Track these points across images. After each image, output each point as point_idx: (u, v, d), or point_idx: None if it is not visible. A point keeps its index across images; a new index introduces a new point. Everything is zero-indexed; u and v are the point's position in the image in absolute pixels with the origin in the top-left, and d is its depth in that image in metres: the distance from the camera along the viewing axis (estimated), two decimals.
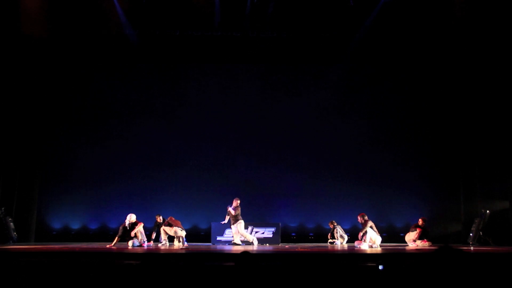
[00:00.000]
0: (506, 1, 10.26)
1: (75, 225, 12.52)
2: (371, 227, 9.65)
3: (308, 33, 12.17)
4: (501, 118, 10.96)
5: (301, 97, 12.93)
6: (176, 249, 9.02)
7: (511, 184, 10.72)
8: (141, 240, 10.18)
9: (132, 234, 10.05)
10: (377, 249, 9.17)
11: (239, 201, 10.59)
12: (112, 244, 9.81)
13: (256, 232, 11.23)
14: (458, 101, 12.36)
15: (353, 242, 10.35)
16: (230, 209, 10.51)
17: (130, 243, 9.95)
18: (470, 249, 9.22)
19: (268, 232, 11.30)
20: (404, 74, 12.87)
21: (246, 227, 10.72)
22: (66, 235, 12.31)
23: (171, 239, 10.50)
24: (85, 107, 12.94)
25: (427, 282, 2.94)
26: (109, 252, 8.34)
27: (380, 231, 10.17)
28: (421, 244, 10.04)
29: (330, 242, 11.33)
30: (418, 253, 7.94)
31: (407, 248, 9.66)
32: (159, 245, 10.29)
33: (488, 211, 10.85)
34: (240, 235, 10.47)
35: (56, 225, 12.50)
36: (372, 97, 12.93)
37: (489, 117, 11.34)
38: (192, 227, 12.24)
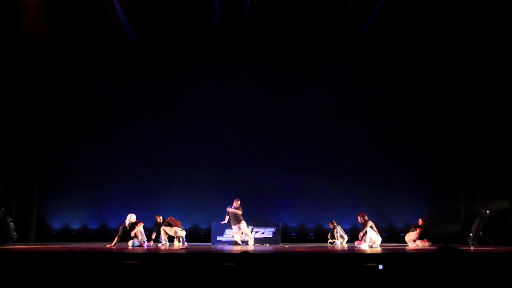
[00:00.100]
0: (506, 1, 10.26)
1: (75, 225, 12.52)
2: (371, 227, 9.65)
3: (308, 33, 12.16)
4: (501, 118, 10.96)
5: (301, 97, 12.92)
6: (176, 249, 9.01)
7: (511, 184, 10.72)
8: (141, 240, 10.18)
9: (132, 234, 10.05)
10: (377, 249, 9.16)
11: (239, 202, 10.60)
12: (112, 244, 9.81)
13: (256, 232, 11.23)
14: (458, 101, 12.36)
15: (353, 242, 10.35)
16: (231, 209, 10.51)
17: (130, 243, 9.94)
18: (470, 249, 9.22)
19: (268, 232, 11.30)
20: (404, 74, 12.87)
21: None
22: (66, 235, 12.31)
23: (171, 239, 10.50)
24: (85, 107, 12.94)
25: (427, 282, 2.94)
26: (109, 252, 8.33)
27: (380, 231, 10.17)
28: (421, 244, 10.04)
29: (330, 242, 11.33)
30: (418, 253, 7.94)
31: (407, 248, 9.66)
32: (159, 245, 10.28)
33: (488, 211, 10.85)
34: (244, 234, 10.48)
35: (56, 225, 12.50)
36: (372, 97, 12.93)
37: (489, 117, 11.34)
38: (192, 227, 12.24)
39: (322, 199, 12.59)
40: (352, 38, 12.30)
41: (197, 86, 13.06)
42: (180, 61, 13.00)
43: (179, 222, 10.49)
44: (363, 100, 12.96)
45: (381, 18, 11.60)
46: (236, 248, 9.50)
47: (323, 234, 11.87)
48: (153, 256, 7.63)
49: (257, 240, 11.11)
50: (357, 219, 10.00)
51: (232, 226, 10.51)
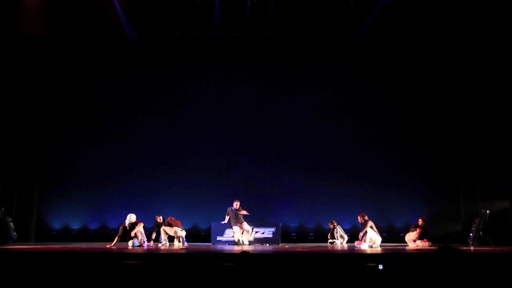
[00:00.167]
0: (506, 1, 10.26)
1: (75, 225, 12.53)
2: (371, 227, 9.65)
3: (308, 33, 12.16)
4: (501, 118, 10.96)
5: (301, 97, 12.92)
6: (176, 249, 9.01)
7: (511, 184, 10.72)
8: (141, 240, 10.18)
9: (132, 234, 10.05)
10: (377, 249, 9.16)
11: (239, 203, 10.61)
12: (112, 244, 9.81)
13: (256, 232, 11.23)
14: (458, 101, 12.36)
15: (353, 242, 10.35)
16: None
17: (130, 243, 9.94)
18: (470, 249, 9.22)
19: (268, 232, 11.30)
20: (404, 74, 12.87)
21: None
22: (66, 235, 12.31)
23: (171, 239, 10.50)
24: (85, 107, 12.94)
25: (427, 282, 2.94)
26: (109, 252, 8.33)
27: (380, 231, 10.17)
28: (421, 244, 10.04)
29: (330, 242, 11.33)
30: (418, 253, 7.94)
31: (407, 248, 9.66)
32: (159, 245, 10.28)
33: (488, 211, 10.85)
34: (244, 234, 10.48)
35: (56, 225, 12.50)
36: (372, 97, 12.93)
37: (489, 117, 11.34)
38: (192, 227, 12.24)
39: (322, 199, 12.59)
40: (352, 38, 12.30)
41: (197, 86, 13.06)
42: (180, 61, 13.00)
43: (179, 222, 10.49)
44: (363, 100, 12.96)
45: (381, 18, 11.59)
46: (237, 248, 9.50)
47: (323, 234, 11.87)
48: (153, 256, 7.62)
49: (257, 240, 11.11)
50: (357, 219, 10.00)
51: (233, 226, 10.50)
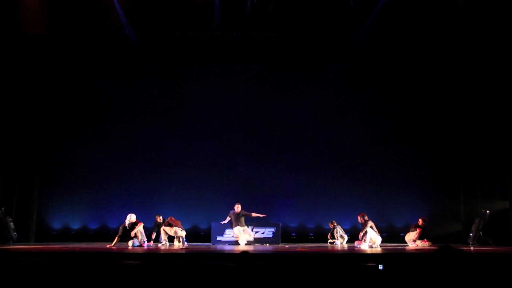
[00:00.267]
0: (506, 1, 10.26)
1: (75, 225, 12.52)
2: (371, 227, 9.64)
3: (308, 33, 12.17)
4: (501, 118, 10.95)
5: (301, 97, 12.92)
6: (176, 249, 9.01)
7: (511, 184, 10.71)
8: (141, 240, 10.18)
9: (132, 234, 10.05)
10: (377, 249, 9.16)
11: (240, 205, 10.66)
12: (112, 244, 9.81)
13: (256, 232, 11.23)
14: (458, 101, 12.35)
15: (353, 242, 10.35)
16: (233, 212, 10.52)
17: (130, 243, 9.94)
18: (470, 249, 9.22)
19: (268, 232, 11.30)
20: (404, 74, 12.87)
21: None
22: (66, 235, 12.31)
23: (171, 239, 10.50)
24: (85, 107, 12.94)
25: (427, 282, 2.94)
26: (109, 252, 8.33)
27: (380, 231, 10.17)
28: (421, 244, 10.04)
29: (330, 242, 11.33)
30: (418, 253, 7.94)
31: (407, 248, 9.66)
32: (159, 245, 10.28)
33: (488, 211, 10.85)
34: (247, 235, 10.52)
35: (56, 225, 12.50)
36: (372, 97, 12.93)
37: (489, 117, 11.33)
38: (192, 227, 12.24)
39: (322, 199, 12.59)
40: (352, 38, 12.30)
41: (197, 86, 13.06)
42: (180, 61, 13.00)
43: (179, 222, 10.49)
44: (363, 100, 12.96)
45: (381, 18, 11.60)
46: (237, 248, 9.50)
47: (323, 234, 11.87)
48: (153, 256, 7.63)
49: (257, 240, 11.11)
50: (357, 219, 10.00)
51: (235, 227, 10.50)
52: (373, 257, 7.37)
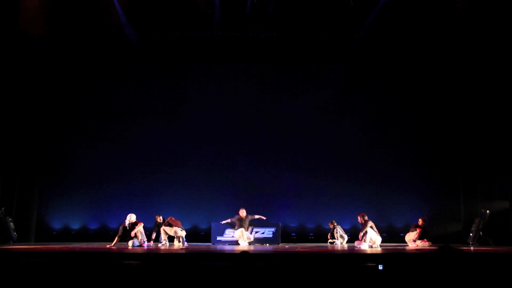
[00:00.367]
0: (506, 1, 10.26)
1: (75, 225, 12.52)
2: (371, 227, 9.64)
3: (308, 33, 12.16)
4: (501, 118, 10.95)
5: (301, 97, 12.92)
6: (176, 249, 9.02)
7: (511, 184, 10.71)
8: (141, 240, 10.18)
9: (132, 234, 10.05)
10: (377, 249, 9.16)
11: (245, 210, 10.73)
12: (112, 244, 9.81)
13: (256, 232, 11.23)
14: (458, 101, 12.36)
15: (353, 242, 10.35)
16: (238, 218, 10.55)
17: (130, 243, 9.94)
18: (470, 249, 9.22)
19: (268, 232, 11.30)
20: (404, 74, 12.87)
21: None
22: (66, 235, 12.31)
23: (171, 239, 10.50)
24: (85, 107, 12.94)
25: (427, 282, 2.94)
26: (109, 252, 8.33)
27: (380, 231, 10.17)
28: (421, 244, 10.04)
29: (330, 242, 11.32)
30: (418, 253, 7.94)
31: (407, 248, 9.66)
32: (159, 245, 10.28)
33: (488, 211, 10.85)
34: (248, 238, 10.56)
35: (56, 225, 12.50)
36: (372, 97, 12.93)
37: (489, 117, 11.33)
38: (192, 227, 12.24)
39: (322, 199, 12.58)
40: (352, 38, 12.30)
41: (197, 86, 13.06)
42: (180, 61, 13.00)
43: (179, 222, 10.49)
44: (363, 100, 12.96)
45: (381, 18, 11.59)
46: (237, 248, 9.50)
47: (323, 234, 11.86)
48: (153, 256, 7.63)
49: (257, 240, 11.11)
50: (357, 219, 10.00)
51: (238, 229, 10.49)
52: (373, 257, 7.38)
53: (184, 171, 12.66)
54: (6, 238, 10.82)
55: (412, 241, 10.21)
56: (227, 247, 10.17)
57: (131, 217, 10.24)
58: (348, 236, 11.37)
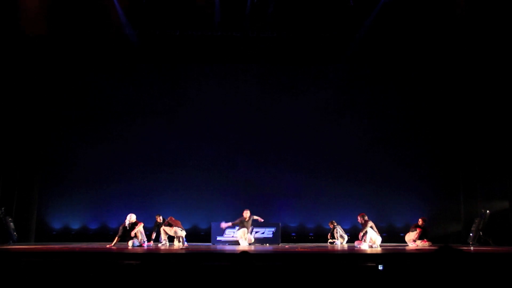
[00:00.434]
0: (506, 1, 10.26)
1: (75, 225, 12.52)
2: (371, 227, 9.64)
3: (308, 33, 12.17)
4: (501, 118, 10.96)
5: (301, 97, 12.92)
6: (176, 249, 9.02)
7: (511, 184, 10.71)
8: (141, 240, 10.18)
9: (132, 234, 10.05)
10: (377, 249, 9.16)
11: (249, 211, 10.71)
12: (112, 244, 9.81)
13: (256, 232, 11.23)
14: (458, 101, 12.36)
15: (353, 242, 10.35)
16: (242, 219, 10.55)
17: (130, 243, 9.94)
18: (470, 249, 9.22)
19: (268, 232, 11.30)
20: (404, 74, 12.87)
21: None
22: (66, 235, 12.31)
23: (171, 239, 10.49)
24: (85, 107, 12.94)
25: (427, 282, 2.94)
26: (109, 252, 8.33)
27: (380, 231, 10.17)
28: (421, 244, 10.04)
29: (330, 242, 11.33)
30: (418, 253, 7.94)
31: (407, 248, 9.66)
32: (159, 245, 10.28)
33: (488, 211, 10.85)
34: (249, 239, 10.57)
35: (56, 225, 12.50)
36: (372, 97, 12.93)
37: (488, 117, 11.33)
38: (192, 227, 12.24)
39: (322, 199, 12.58)
40: (352, 38, 12.30)
41: (197, 86, 13.06)
42: (180, 61, 13.00)
43: (179, 222, 10.49)
44: (363, 100, 12.96)
45: (381, 18, 11.59)
46: (237, 248, 9.50)
47: (323, 234, 11.86)
48: (153, 256, 7.63)
49: (257, 240, 11.11)
50: (357, 219, 9.99)
51: (240, 230, 10.49)
52: (373, 257, 7.38)
53: (184, 171, 12.66)
54: (6, 238, 10.82)
55: (412, 241, 10.21)
56: (227, 247, 10.17)
57: (131, 217, 10.24)
58: (348, 236, 11.37)
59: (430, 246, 9.98)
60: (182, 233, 10.34)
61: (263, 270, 4.02)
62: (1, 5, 10.58)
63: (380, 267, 4.40)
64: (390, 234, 11.86)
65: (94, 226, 12.54)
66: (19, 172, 11.98)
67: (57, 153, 12.66)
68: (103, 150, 12.61)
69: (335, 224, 11.36)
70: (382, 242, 9.83)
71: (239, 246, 10.28)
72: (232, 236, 10.76)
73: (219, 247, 10.50)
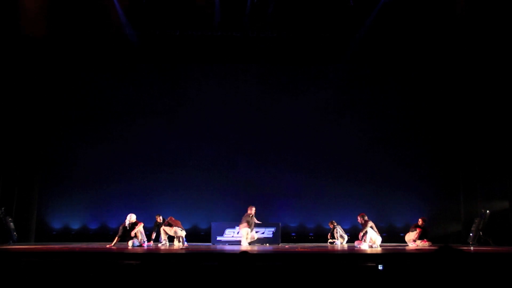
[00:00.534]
0: (506, 1, 10.26)
1: (75, 225, 12.52)
2: (371, 227, 9.64)
3: (308, 33, 12.17)
4: (501, 118, 10.96)
5: (301, 97, 12.92)
6: (176, 249, 9.01)
7: (511, 184, 10.71)
8: (141, 240, 10.18)
9: (132, 234, 10.05)
10: (377, 249, 9.16)
11: (254, 208, 10.69)
12: (112, 244, 9.81)
13: (256, 232, 11.22)
14: (458, 101, 12.36)
15: (353, 242, 10.35)
16: (251, 213, 10.54)
17: (130, 243, 9.94)
18: (470, 249, 9.21)
19: (268, 232, 11.30)
20: (404, 74, 12.88)
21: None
22: (66, 235, 12.31)
23: (171, 239, 10.49)
24: (85, 107, 12.94)
25: (427, 282, 2.94)
26: (109, 252, 8.33)
27: (380, 231, 10.17)
28: (421, 244, 10.04)
29: (330, 242, 11.33)
30: (418, 253, 7.94)
31: (407, 248, 9.66)
32: (159, 245, 10.28)
33: (488, 211, 10.85)
34: (252, 237, 10.57)
35: (56, 225, 12.50)
36: (372, 97, 12.93)
37: (488, 117, 11.33)
38: (192, 227, 12.24)
39: (322, 199, 12.59)
40: (352, 38, 12.31)
41: (197, 86, 13.06)
42: (180, 61, 13.00)
43: (179, 222, 10.49)
44: (363, 100, 12.97)
45: (381, 18, 11.60)
46: (238, 248, 9.50)
47: (323, 234, 11.87)
48: (153, 256, 7.63)
49: (257, 240, 11.10)
50: (357, 219, 9.99)
51: (244, 228, 10.48)
52: (373, 257, 7.38)
53: (184, 171, 12.66)
54: (6, 238, 10.81)
55: (412, 241, 10.21)
56: (227, 247, 10.16)
57: (131, 217, 10.24)
58: (348, 236, 11.37)
59: (430, 246, 9.98)
60: (182, 233, 10.34)
61: (263, 270, 4.02)
62: (1, 5, 10.58)
63: (380, 267, 4.41)
64: (390, 234, 11.86)
65: (94, 226, 12.54)
66: (19, 172, 11.98)
67: (57, 153, 12.66)
68: (103, 150, 12.61)
69: (335, 224, 11.36)
70: (382, 242, 9.83)
71: (240, 246, 10.27)
72: (232, 236, 10.75)
73: (219, 247, 10.50)
